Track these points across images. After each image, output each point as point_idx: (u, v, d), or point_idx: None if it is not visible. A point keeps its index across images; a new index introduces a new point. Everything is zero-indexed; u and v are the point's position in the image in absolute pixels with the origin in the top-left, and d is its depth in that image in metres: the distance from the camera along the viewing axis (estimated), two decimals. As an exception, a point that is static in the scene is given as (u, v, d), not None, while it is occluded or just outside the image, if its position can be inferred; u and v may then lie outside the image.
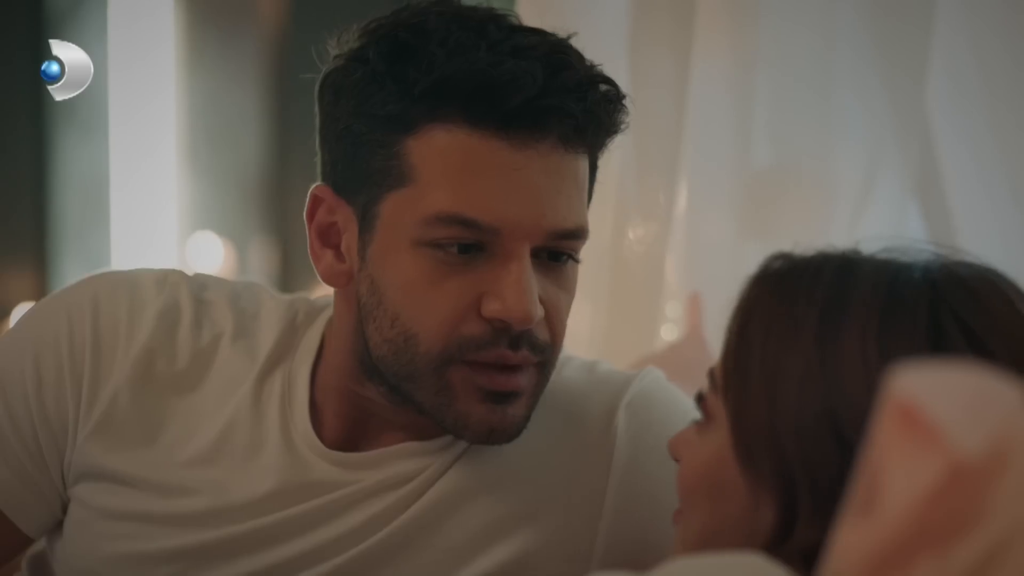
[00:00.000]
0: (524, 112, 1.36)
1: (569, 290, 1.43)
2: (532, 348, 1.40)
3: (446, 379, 1.40)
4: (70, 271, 4.21)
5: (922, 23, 2.26)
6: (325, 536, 1.46)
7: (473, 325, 1.38)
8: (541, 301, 1.39)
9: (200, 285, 1.54)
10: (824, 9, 2.31)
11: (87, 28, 4.11)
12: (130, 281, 1.53)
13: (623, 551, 1.48)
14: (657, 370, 1.58)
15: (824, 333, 1.16)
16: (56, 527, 1.54)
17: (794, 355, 1.17)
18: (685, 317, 2.38)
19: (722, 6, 2.34)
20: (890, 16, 2.29)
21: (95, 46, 4.03)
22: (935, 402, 0.83)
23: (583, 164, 1.41)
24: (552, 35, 1.42)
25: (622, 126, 1.43)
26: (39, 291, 4.20)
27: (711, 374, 1.25)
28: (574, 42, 1.43)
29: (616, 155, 2.30)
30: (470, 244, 1.37)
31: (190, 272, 1.57)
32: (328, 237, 1.46)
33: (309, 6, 4.09)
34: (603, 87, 1.40)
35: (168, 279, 1.53)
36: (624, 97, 1.42)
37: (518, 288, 1.37)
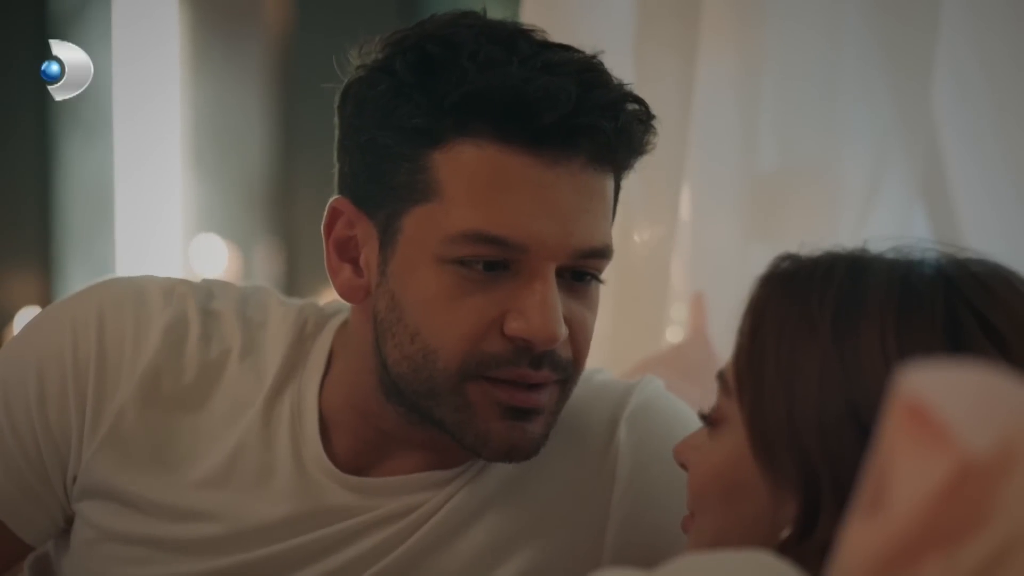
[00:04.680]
0: (556, 129, 1.34)
1: (593, 309, 1.42)
2: (553, 367, 1.39)
3: (465, 395, 1.38)
4: (75, 275, 4.22)
5: (927, 26, 2.26)
6: (337, 562, 1.45)
7: (495, 343, 1.37)
8: (565, 319, 1.37)
9: (207, 295, 1.51)
10: (829, 12, 2.31)
11: (91, 31, 4.11)
12: (136, 292, 1.50)
13: (630, 564, 1.47)
14: (657, 379, 1.57)
15: (841, 330, 1.17)
16: (62, 539, 1.53)
17: (811, 353, 1.17)
18: (689, 318, 2.38)
19: (727, 8, 2.34)
20: (895, 19, 2.29)
21: (99, 49, 4.04)
22: (944, 401, 0.83)
23: (610, 183, 1.40)
24: (580, 52, 1.40)
25: (649, 147, 1.42)
26: (44, 295, 4.20)
27: (721, 377, 1.24)
28: (580, 45, 1.42)
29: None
30: (496, 262, 1.36)
31: (197, 280, 1.55)
32: (346, 251, 1.43)
33: (314, 9, 4.10)
34: (633, 106, 1.39)
35: (175, 290, 1.51)
36: (654, 117, 1.41)
37: (543, 308, 1.36)
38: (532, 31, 1.41)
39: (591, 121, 1.35)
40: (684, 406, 1.55)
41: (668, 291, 2.42)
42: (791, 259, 1.24)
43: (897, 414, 0.84)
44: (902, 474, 0.83)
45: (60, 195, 4.26)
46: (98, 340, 1.47)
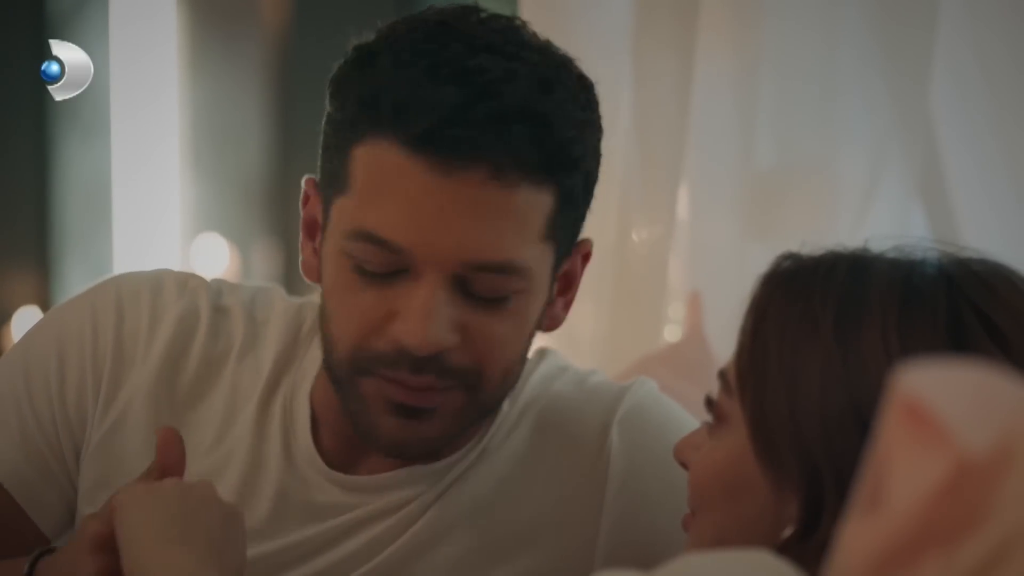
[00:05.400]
0: (444, 138, 1.31)
1: (506, 320, 1.38)
2: (440, 373, 1.36)
3: (358, 388, 1.39)
4: (73, 275, 4.21)
5: (925, 24, 2.26)
6: (325, 562, 1.46)
7: (382, 341, 1.37)
8: (464, 328, 1.36)
9: (217, 291, 1.54)
10: (827, 10, 2.31)
11: (89, 30, 4.10)
12: (153, 283, 1.53)
13: (624, 566, 1.47)
14: (650, 381, 1.56)
15: (843, 329, 1.17)
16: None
17: (813, 352, 1.17)
18: (685, 317, 2.38)
19: (725, 7, 2.34)
20: (893, 17, 2.29)
21: (97, 48, 4.03)
22: (942, 400, 0.82)
23: (526, 198, 1.34)
24: (534, 56, 1.36)
25: (572, 164, 1.36)
26: (41, 295, 4.19)
27: (722, 375, 1.24)
28: (572, 47, 1.40)
29: (619, 156, 2.30)
30: (386, 262, 1.35)
31: (207, 277, 1.57)
32: (311, 230, 1.46)
33: (312, 9, 4.09)
34: (529, 125, 1.32)
35: (188, 283, 1.53)
36: (555, 136, 1.34)
37: (419, 313, 1.34)
38: (502, 30, 1.38)
39: (472, 134, 1.31)
40: (677, 408, 1.54)
41: (666, 290, 2.42)
42: (793, 258, 1.24)
43: (895, 413, 0.84)
44: (900, 473, 0.83)
45: (58, 195, 4.25)
46: (115, 331, 1.50)
